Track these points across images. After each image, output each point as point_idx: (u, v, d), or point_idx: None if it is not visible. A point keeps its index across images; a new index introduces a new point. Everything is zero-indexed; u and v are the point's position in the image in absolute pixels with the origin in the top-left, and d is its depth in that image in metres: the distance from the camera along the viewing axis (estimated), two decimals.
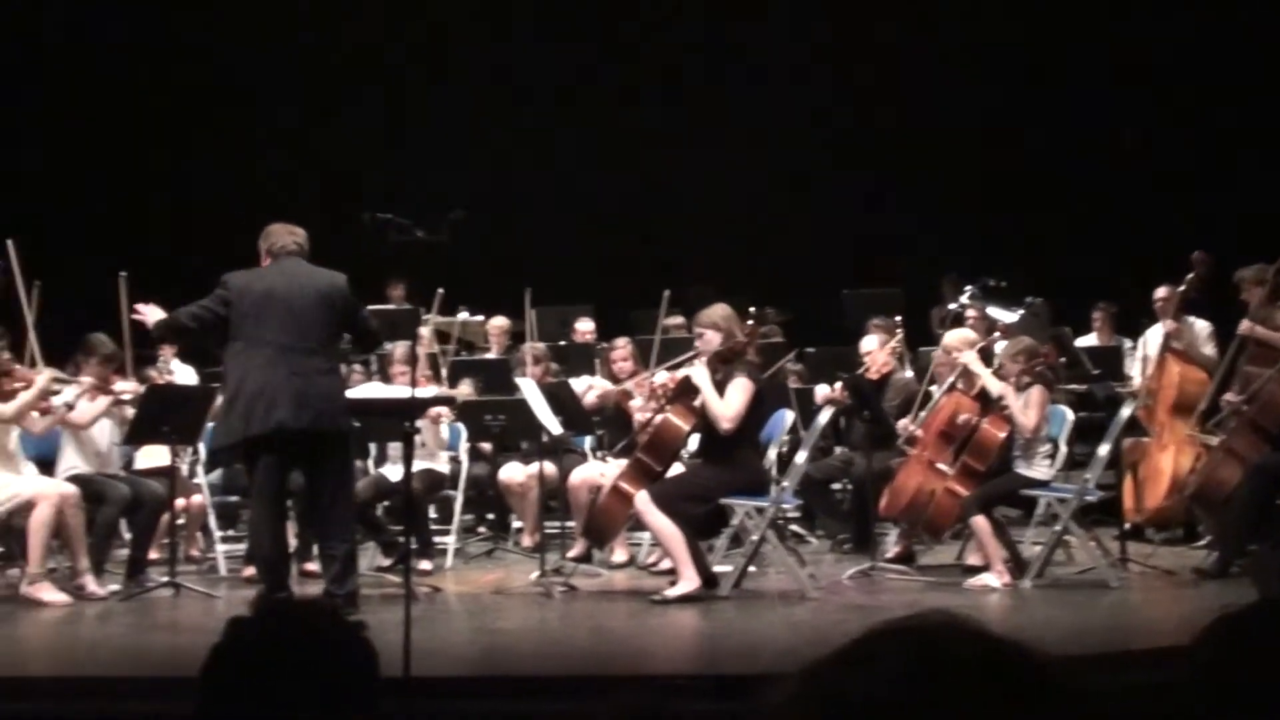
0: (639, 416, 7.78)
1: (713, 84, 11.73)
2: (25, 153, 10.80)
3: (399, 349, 7.90)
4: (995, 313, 9.46)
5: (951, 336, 7.61)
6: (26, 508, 6.62)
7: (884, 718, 1.08)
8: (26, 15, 11.03)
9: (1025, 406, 6.81)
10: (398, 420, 6.29)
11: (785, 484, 6.85)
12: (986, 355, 7.34)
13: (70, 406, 7.11)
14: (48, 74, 11.08)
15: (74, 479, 7.01)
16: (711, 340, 6.60)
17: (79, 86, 11.17)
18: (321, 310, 6.06)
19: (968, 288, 9.78)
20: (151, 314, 6.32)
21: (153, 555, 7.35)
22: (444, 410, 7.82)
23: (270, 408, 5.95)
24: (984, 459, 6.93)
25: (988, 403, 7.05)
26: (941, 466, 7.05)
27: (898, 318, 9.32)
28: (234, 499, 7.86)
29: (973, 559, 7.20)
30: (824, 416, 7.29)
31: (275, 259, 6.21)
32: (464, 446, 8.19)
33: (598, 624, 6.12)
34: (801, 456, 6.91)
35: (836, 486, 8.45)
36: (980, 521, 6.71)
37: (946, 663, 1.11)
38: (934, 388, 7.63)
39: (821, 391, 7.92)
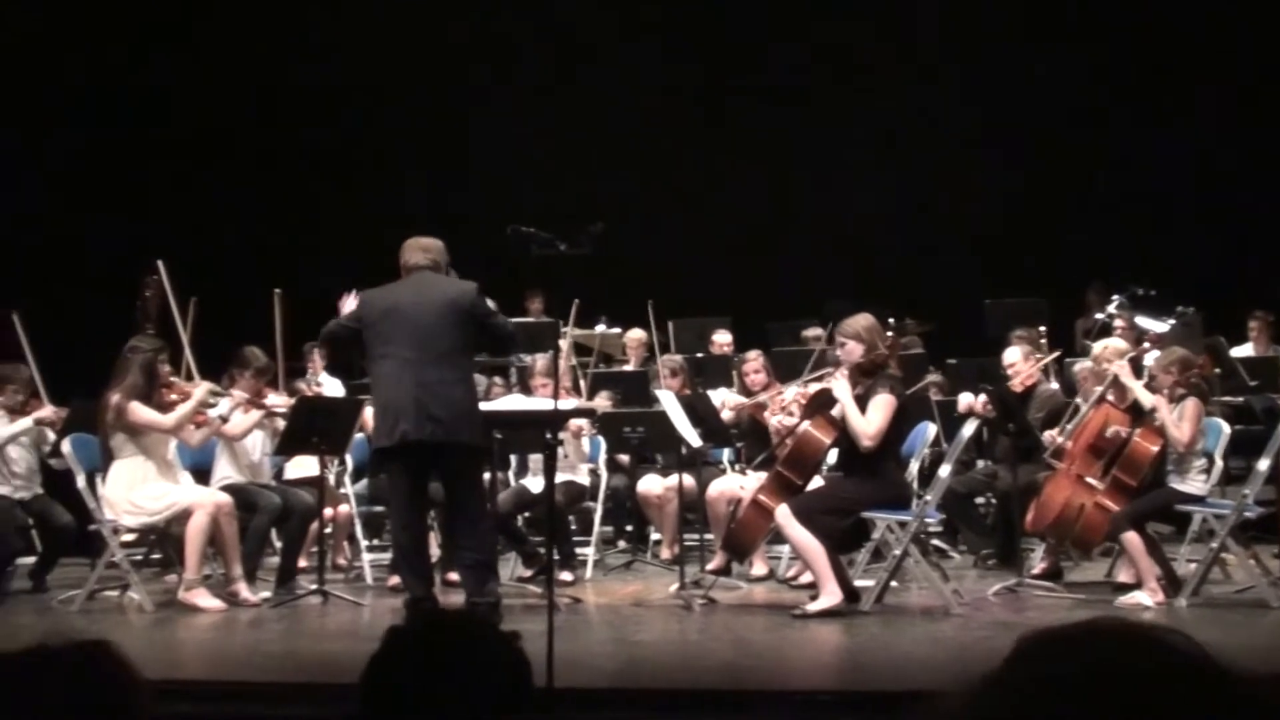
0: (774, 429, 7.74)
1: (844, 88, 11.62)
2: (181, 170, 11.17)
3: (540, 361, 7.98)
4: (1144, 322, 9.22)
5: (1102, 347, 7.41)
6: (184, 516, 6.84)
7: None
8: (178, 34, 11.41)
9: (1179, 419, 6.60)
10: (540, 432, 6.36)
11: (928, 497, 6.74)
12: (1136, 366, 7.13)
13: (225, 419, 7.34)
14: (206, 91, 11.45)
15: (228, 488, 7.22)
16: (854, 351, 6.52)
17: (237, 104, 11.53)
18: (447, 322, 6.13)
19: (1115, 297, 9.55)
20: (347, 307, 6.45)
21: (301, 563, 7.53)
22: (585, 422, 7.87)
23: (396, 421, 6.08)
24: (1136, 473, 6.72)
25: (1139, 415, 6.85)
26: (1091, 480, 6.86)
27: (1042, 328, 9.13)
28: (379, 509, 8.01)
29: (1123, 576, 6.99)
30: (968, 429, 7.15)
31: (407, 273, 6.33)
32: (603, 458, 8.24)
33: (738, 637, 6.09)
34: (945, 470, 6.79)
35: (979, 500, 8.29)
36: (1132, 537, 6.52)
37: (1125, 675, 1.00)
38: (1079, 400, 7.44)
39: (965, 400, 7.78)
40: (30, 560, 7.76)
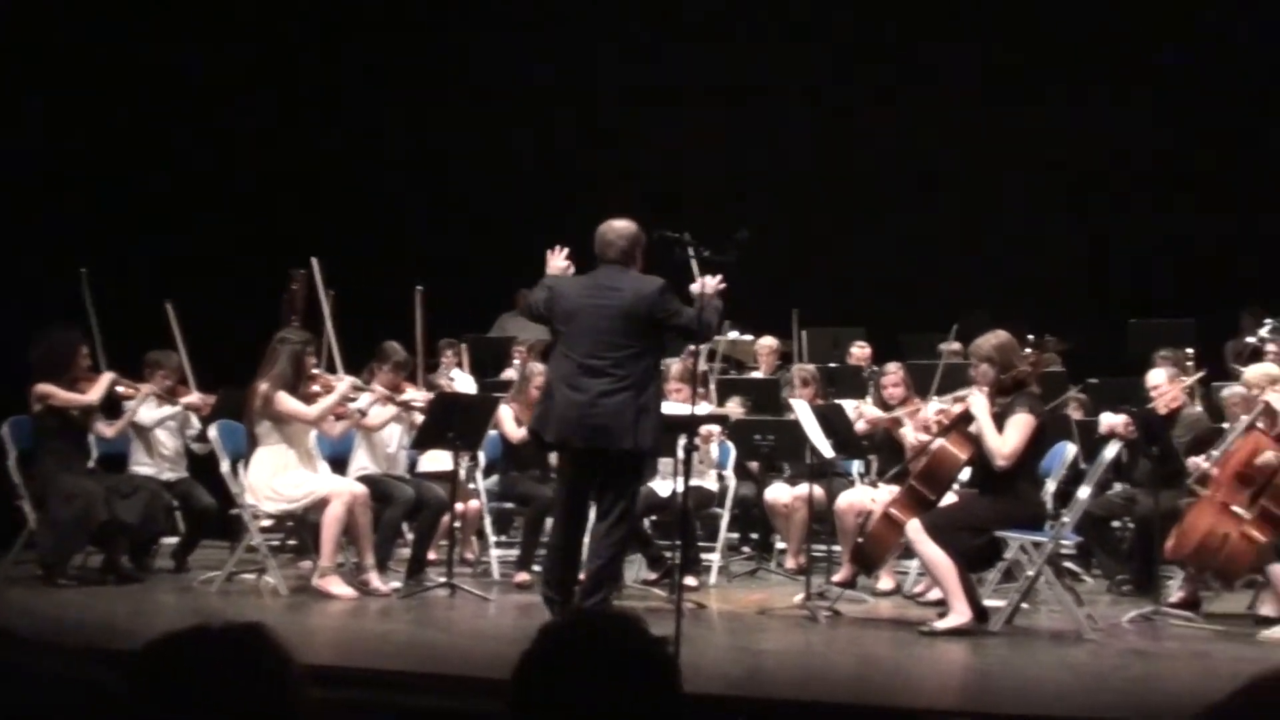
0: (910, 443, 7.64)
1: (995, 101, 11.43)
2: (326, 170, 11.45)
3: (675, 366, 7.98)
4: None
5: (1254, 372, 7.16)
6: (321, 504, 7.00)
7: None
8: (328, 34, 11.68)
9: None
10: (672, 436, 6.35)
11: (1064, 519, 6.58)
12: None
13: (364, 412, 7.50)
14: (359, 89, 11.71)
15: (364, 479, 7.38)
16: (987, 374, 6.43)
17: (377, 98, 11.76)
18: (620, 327, 6.00)
19: (1269, 321, 9.23)
20: (558, 262, 6.33)
21: (431, 556, 7.65)
22: (716, 428, 7.87)
23: (558, 423, 6.06)
24: None
25: None
26: (1237, 509, 6.64)
27: (1188, 349, 8.86)
28: (509, 505, 8.11)
29: (1266, 609, 6.75)
30: (1110, 451, 6.98)
31: (598, 266, 6.22)
32: (732, 465, 8.23)
33: (863, 651, 6.02)
34: (1084, 492, 6.63)
35: (1116, 524, 8.08)
36: (1279, 570, 6.29)
37: None
38: (1227, 425, 7.20)
39: (1106, 419, 7.57)
40: (173, 541, 8.03)
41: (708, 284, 6.15)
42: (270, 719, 1.52)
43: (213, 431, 7.42)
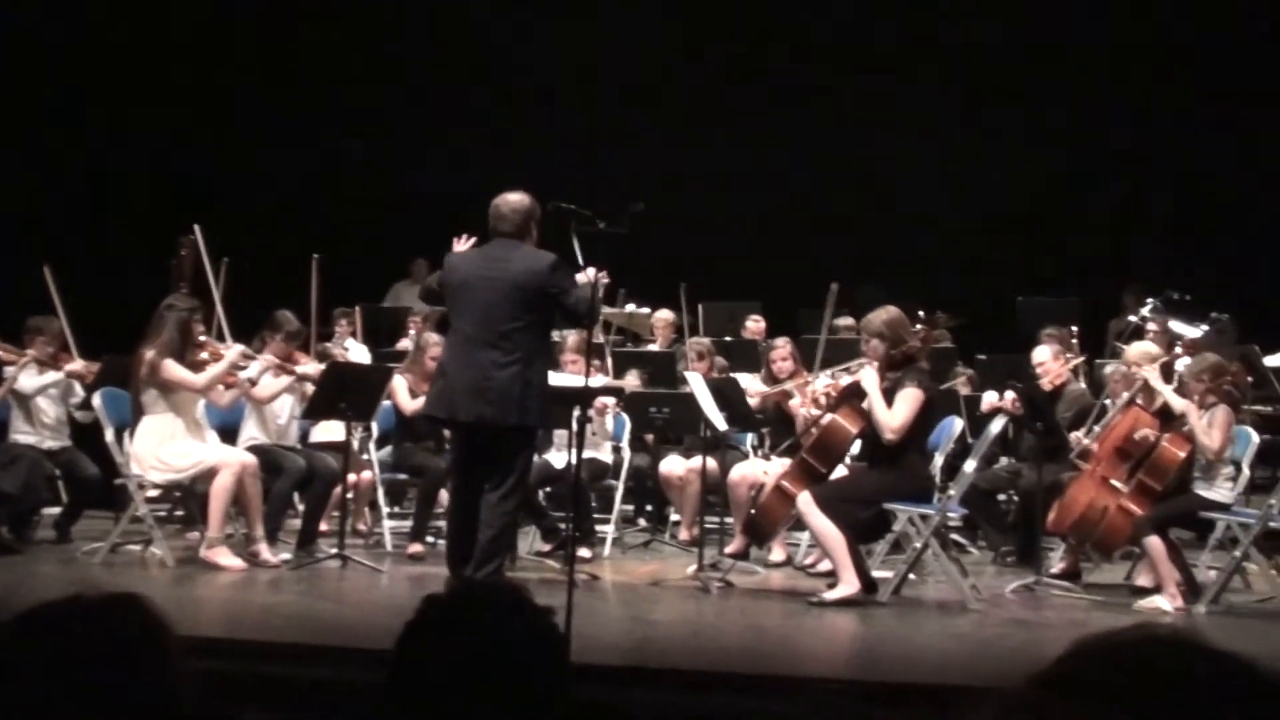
0: (801, 416, 7.73)
1: (885, 76, 11.56)
2: (222, 133, 11.22)
3: (571, 337, 7.98)
4: (1178, 327, 9.15)
5: (1134, 350, 7.37)
6: (209, 474, 6.89)
7: None
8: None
9: (1209, 426, 6.56)
10: (567, 408, 6.35)
11: (951, 492, 6.72)
12: (1167, 371, 7.09)
13: (254, 382, 7.38)
14: (243, 53, 11.48)
15: (254, 449, 7.27)
16: (878, 348, 6.53)
17: (282, 68, 11.55)
18: (511, 300, 6.01)
19: (1150, 300, 9.49)
20: (461, 249, 6.29)
21: (323, 527, 7.57)
22: (611, 400, 7.88)
23: (449, 397, 6.08)
24: (1162, 478, 6.69)
25: (1168, 420, 6.81)
26: (1116, 483, 6.83)
27: (1073, 327, 9.08)
28: (402, 476, 8.06)
29: (1142, 580, 6.97)
30: (995, 426, 7.13)
31: (491, 239, 6.20)
32: (627, 437, 8.25)
33: (753, 622, 6.10)
34: (970, 465, 6.77)
35: (1002, 498, 8.27)
36: (1155, 542, 6.49)
37: (1174, 680, 1.00)
38: (1109, 401, 7.40)
39: (989, 399, 7.76)
40: (55, 511, 7.84)
41: (590, 275, 6.21)
42: (146, 690, 1.50)
43: (97, 399, 7.26)
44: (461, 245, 6.30)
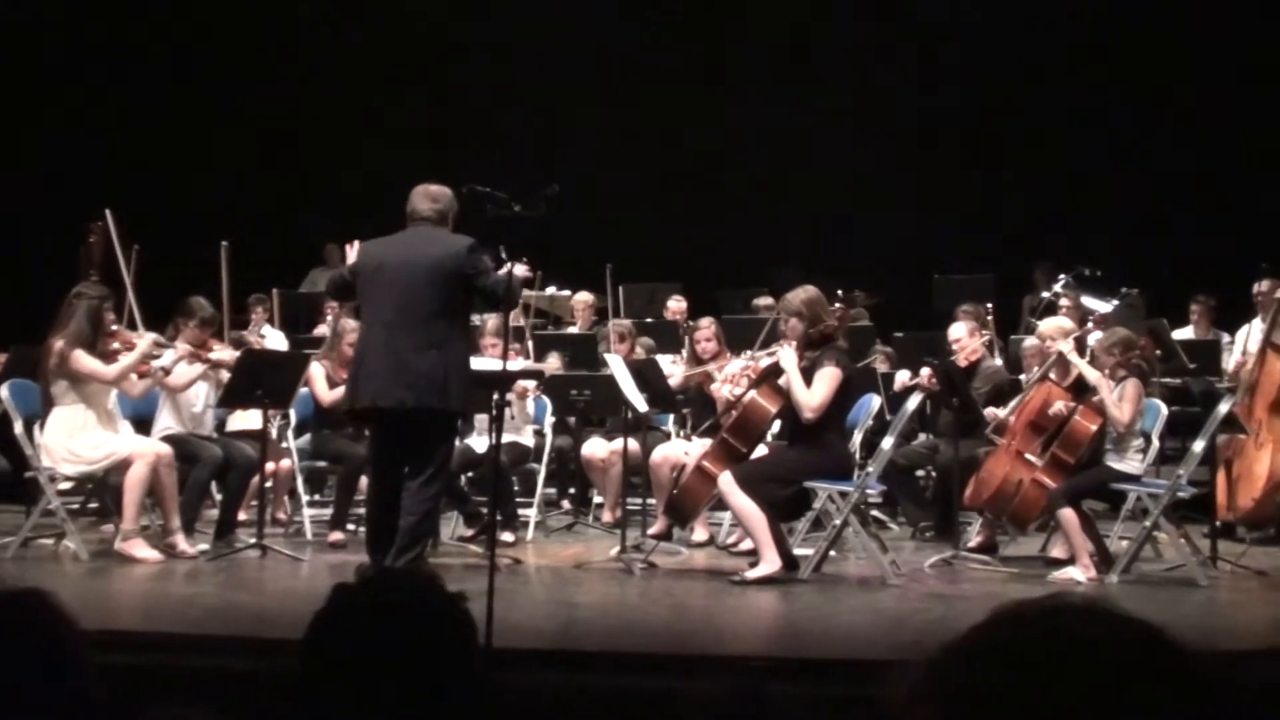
0: (721, 397, 7.76)
1: (801, 61, 11.63)
2: (131, 119, 11.00)
3: (490, 321, 7.94)
4: (1089, 302, 9.33)
5: (1047, 325, 7.49)
6: (123, 466, 6.77)
7: (1017, 708, 1.01)
8: None
9: (1120, 399, 6.69)
10: (487, 392, 6.33)
11: (869, 469, 6.80)
12: (1079, 346, 7.21)
13: (167, 371, 7.25)
14: (156, 40, 11.27)
15: (168, 439, 7.15)
16: (797, 328, 6.57)
17: (185, 48, 11.35)
18: (431, 285, 5.98)
19: (1062, 276, 9.65)
20: (351, 256, 6.29)
21: (241, 517, 7.48)
22: (531, 384, 7.86)
23: (369, 384, 6.02)
24: (1074, 451, 6.82)
25: (1080, 394, 6.94)
26: (1030, 457, 6.95)
27: (988, 304, 9.22)
28: (322, 464, 7.98)
29: (1057, 552, 7.11)
30: (912, 403, 7.22)
31: (409, 223, 6.16)
32: (549, 420, 8.24)
33: (677, 602, 6.12)
34: (888, 442, 6.85)
35: (920, 473, 8.38)
36: (1068, 514, 6.61)
37: (1083, 647, 1.03)
38: (1023, 377, 7.51)
39: (901, 377, 7.86)
40: None
41: (521, 271, 6.20)
42: (50, 689, 1.47)
43: (4, 391, 7.09)
44: (353, 255, 6.26)
